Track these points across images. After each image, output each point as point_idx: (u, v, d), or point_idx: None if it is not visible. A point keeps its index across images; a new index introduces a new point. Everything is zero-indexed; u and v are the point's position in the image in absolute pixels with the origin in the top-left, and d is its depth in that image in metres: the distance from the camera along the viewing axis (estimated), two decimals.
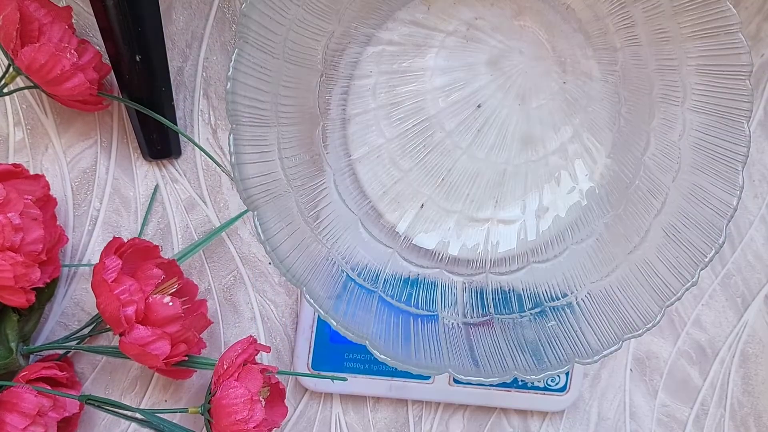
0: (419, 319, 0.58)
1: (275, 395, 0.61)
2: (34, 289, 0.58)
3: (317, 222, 0.58)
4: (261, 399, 0.56)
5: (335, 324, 0.53)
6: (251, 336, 0.60)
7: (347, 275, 0.58)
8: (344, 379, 0.62)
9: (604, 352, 0.55)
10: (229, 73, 0.51)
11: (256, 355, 0.60)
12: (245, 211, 0.67)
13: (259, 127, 0.54)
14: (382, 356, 0.53)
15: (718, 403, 0.71)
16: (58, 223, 0.63)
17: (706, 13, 0.54)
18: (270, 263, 0.68)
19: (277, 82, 0.55)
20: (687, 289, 0.55)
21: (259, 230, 0.52)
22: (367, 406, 0.70)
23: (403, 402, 0.70)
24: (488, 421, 0.70)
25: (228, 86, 0.51)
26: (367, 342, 0.53)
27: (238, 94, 0.52)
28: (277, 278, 0.68)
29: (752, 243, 0.71)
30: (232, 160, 0.51)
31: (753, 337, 0.71)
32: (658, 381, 0.71)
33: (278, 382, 0.61)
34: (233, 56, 0.51)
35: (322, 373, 0.66)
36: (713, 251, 0.55)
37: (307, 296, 0.53)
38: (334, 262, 0.58)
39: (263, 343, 0.68)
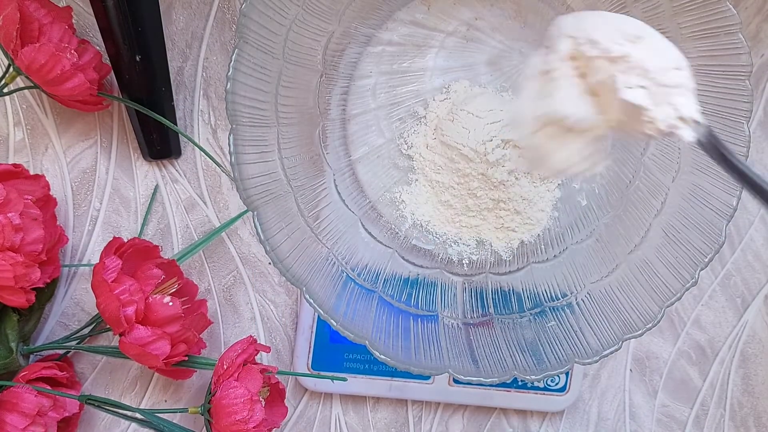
0: (419, 319, 0.58)
1: (275, 395, 0.61)
2: (34, 289, 0.58)
3: (317, 222, 0.58)
4: (261, 399, 0.56)
5: (335, 324, 0.53)
6: (251, 336, 0.60)
7: (347, 275, 0.58)
8: (344, 379, 0.62)
9: (604, 352, 0.55)
10: (229, 73, 0.51)
11: (256, 355, 0.60)
12: (245, 211, 0.67)
13: (259, 128, 0.54)
14: (382, 356, 0.53)
15: (718, 403, 0.71)
16: (58, 223, 0.63)
17: (705, 13, 0.54)
18: (270, 263, 0.68)
19: (277, 82, 0.55)
20: (687, 290, 0.55)
21: (259, 230, 0.52)
22: (367, 406, 0.70)
23: (403, 402, 0.70)
24: (488, 421, 0.70)
25: (228, 86, 0.51)
26: (366, 342, 0.53)
27: (238, 94, 0.52)
28: (277, 278, 0.68)
29: (752, 243, 0.71)
30: (232, 160, 0.51)
31: (753, 337, 0.71)
32: (658, 381, 0.71)
33: (278, 382, 0.61)
34: (233, 56, 0.51)
35: (322, 373, 0.66)
36: (713, 251, 0.55)
37: (307, 296, 0.53)
38: (334, 262, 0.58)
39: (263, 343, 0.68)
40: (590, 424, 0.71)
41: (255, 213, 0.53)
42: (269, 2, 0.53)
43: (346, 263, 0.59)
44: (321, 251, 0.57)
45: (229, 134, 0.52)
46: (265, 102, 0.55)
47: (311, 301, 0.53)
